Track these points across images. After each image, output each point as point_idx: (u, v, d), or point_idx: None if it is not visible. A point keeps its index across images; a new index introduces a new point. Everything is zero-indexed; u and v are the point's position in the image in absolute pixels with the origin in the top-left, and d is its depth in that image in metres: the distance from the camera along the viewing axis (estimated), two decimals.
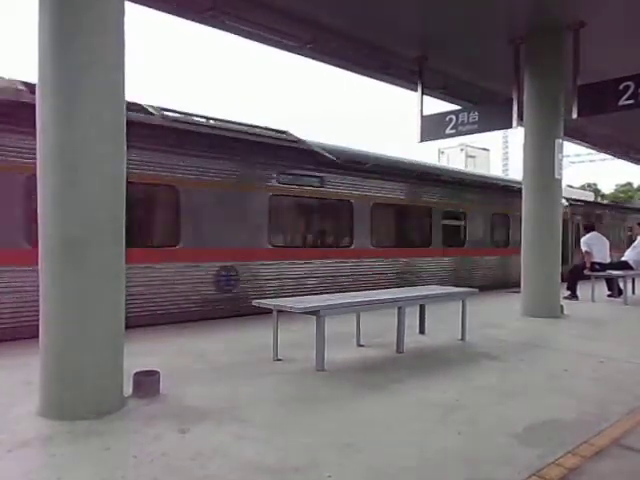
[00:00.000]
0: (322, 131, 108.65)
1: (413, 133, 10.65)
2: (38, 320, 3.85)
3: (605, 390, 4.62)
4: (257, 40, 9.35)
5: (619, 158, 22.45)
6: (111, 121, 3.88)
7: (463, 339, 6.64)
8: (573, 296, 10.93)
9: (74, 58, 3.73)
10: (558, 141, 8.77)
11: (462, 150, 52.73)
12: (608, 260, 11.67)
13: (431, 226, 12.59)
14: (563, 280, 9.49)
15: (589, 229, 11.99)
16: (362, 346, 6.20)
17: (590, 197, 39.74)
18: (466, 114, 10.13)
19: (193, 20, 8.71)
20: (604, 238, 11.99)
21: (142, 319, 7.17)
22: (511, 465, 3.06)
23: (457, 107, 11.40)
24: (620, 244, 17.59)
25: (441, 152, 49.71)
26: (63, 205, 3.75)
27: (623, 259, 12.08)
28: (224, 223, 8.41)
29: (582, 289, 11.13)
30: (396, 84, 11.77)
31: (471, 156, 53.40)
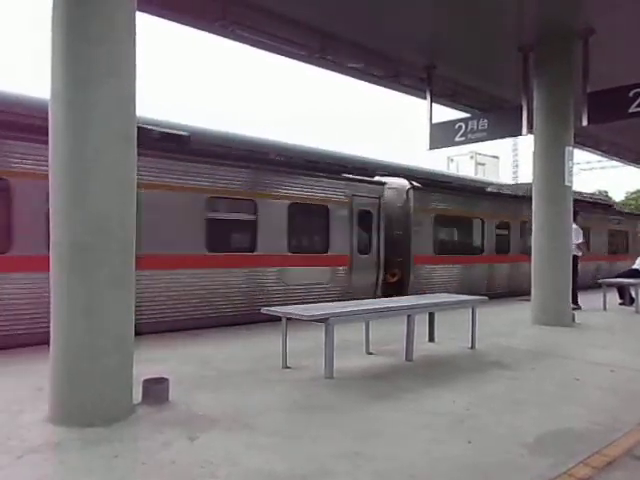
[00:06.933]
0: (321, 132, 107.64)
1: (423, 140, 10.69)
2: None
3: (617, 399, 4.58)
4: (266, 49, 9.42)
5: (630, 165, 22.30)
6: (122, 130, 3.92)
7: (473, 347, 6.60)
8: (575, 307, 10.35)
9: (86, 68, 3.78)
10: (568, 148, 8.73)
11: (472, 158, 52.55)
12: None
13: None
14: None
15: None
16: (371, 354, 6.18)
17: None
18: (475, 121, 10.12)
19: (203, 30, 8.80)
20: (579, 229, 10.75)
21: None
22: (522, 475, 3.04)
23: (466, 115, 11.41)
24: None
25: (450, 160, 49.54)
26: (73, 213, 3.78)
27: (634, 267, 11.95)
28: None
29: (593, 299, 11.00)
30: (405, 92, 11.80)
31: (481, 164, 53.22)
